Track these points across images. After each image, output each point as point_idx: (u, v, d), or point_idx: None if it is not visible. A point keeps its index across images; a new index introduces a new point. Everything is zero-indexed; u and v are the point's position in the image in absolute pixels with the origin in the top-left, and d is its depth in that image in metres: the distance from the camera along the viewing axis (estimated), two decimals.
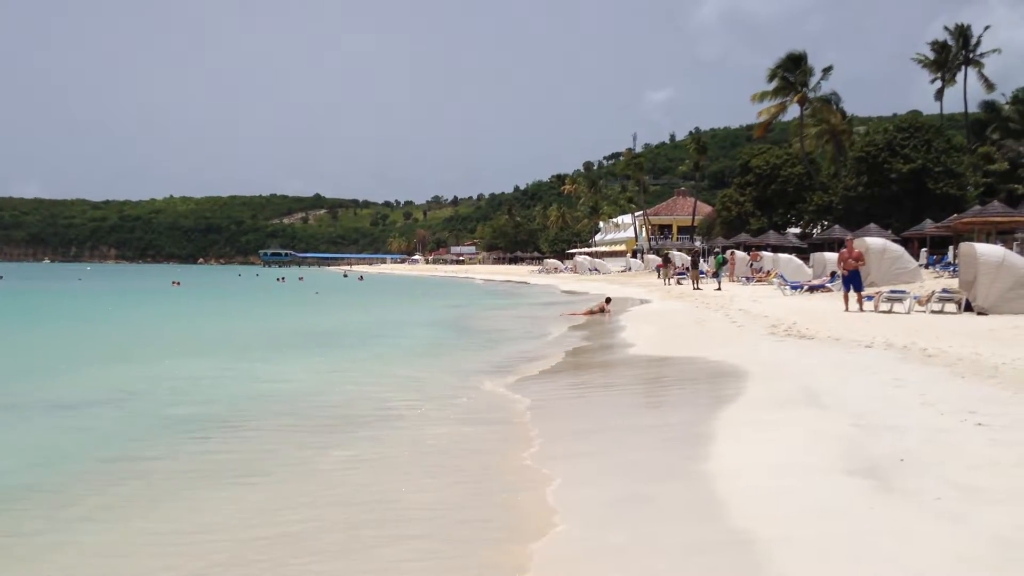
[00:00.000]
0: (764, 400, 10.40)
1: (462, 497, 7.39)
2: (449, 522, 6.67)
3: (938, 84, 67.00)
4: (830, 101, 67.66)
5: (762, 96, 69.11)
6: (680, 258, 58.93)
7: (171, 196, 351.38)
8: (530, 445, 9.25)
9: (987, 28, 67.91)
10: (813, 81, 67.34)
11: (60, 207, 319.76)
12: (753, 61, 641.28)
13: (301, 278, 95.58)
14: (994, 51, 65.52)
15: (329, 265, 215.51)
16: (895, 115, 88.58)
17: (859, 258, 23.24)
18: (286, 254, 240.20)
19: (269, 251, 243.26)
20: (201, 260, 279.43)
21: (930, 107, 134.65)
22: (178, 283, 71.64)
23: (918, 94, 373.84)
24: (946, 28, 66.57)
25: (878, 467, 6.56)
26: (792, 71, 67.37)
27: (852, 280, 22.80)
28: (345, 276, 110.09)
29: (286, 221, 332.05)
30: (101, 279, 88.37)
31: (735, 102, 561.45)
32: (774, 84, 68.23)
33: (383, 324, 29.56)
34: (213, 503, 7.45)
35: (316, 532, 6.57)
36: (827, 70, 67.72)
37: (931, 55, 66.76)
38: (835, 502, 5.82)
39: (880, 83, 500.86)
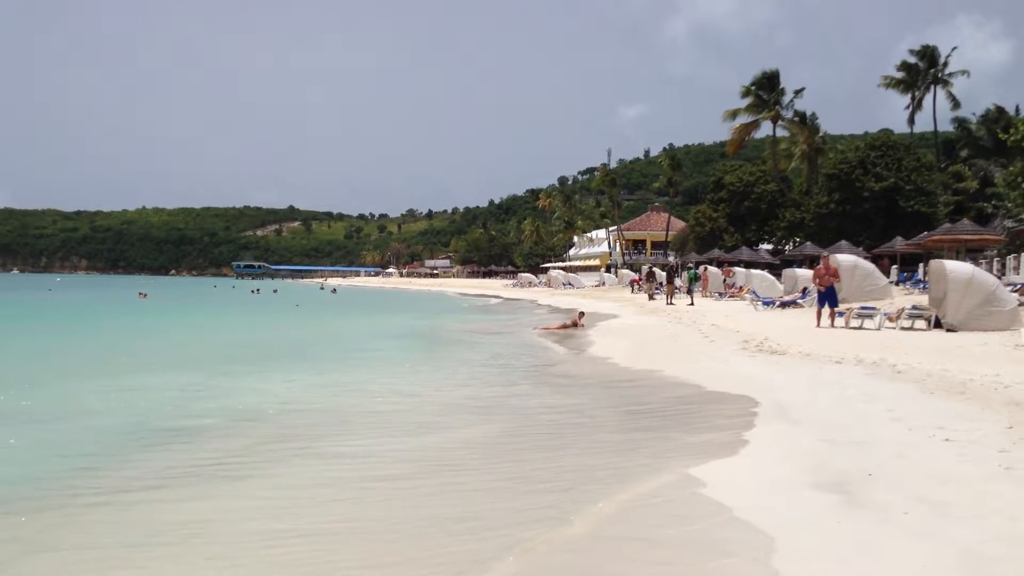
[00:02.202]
0: (733, 415, 10.44)
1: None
2: None
3: (908, 104, 67.99)
4: (805, 120, 68.37)
5: (735, 113, 69.84)
6: (657, 274, 59.21)
7: (143, 207, 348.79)
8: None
9: (954, 49, 69.13)
10: (786, 99, 68.18)
11: (30, 217, 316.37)
12: (722, 77, 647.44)
13: (275, 291, 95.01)
14: (962, 72, 66.63)
15: (303, 277, 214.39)
16: (867, 133, 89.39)
17: (835, 274, 23.43)
18: (259, 266, 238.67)
19: (242, 263, 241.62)
20: (173, 271, 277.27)
21: (898, 124, 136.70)
22: (144, 295, 70.42)
23: (886, 112, 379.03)
24: (911, 51, 67.78)
25: (847, 482, 6.60)
26: (765, 89, 68.12)
27: (827, 296, 22.95)
28: (322, 288, 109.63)
29: (259, 233, 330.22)
30: (71, 290, 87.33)
31: (708, 118, 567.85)
32: (747, 101, 68.93)
33: (363, 336, 29.47)
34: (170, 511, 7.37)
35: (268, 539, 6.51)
36: (799, 91, 68.62)
37: (899, 75, 67.73)
38: (803, 516, 5.85)
39: (847, 100, 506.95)
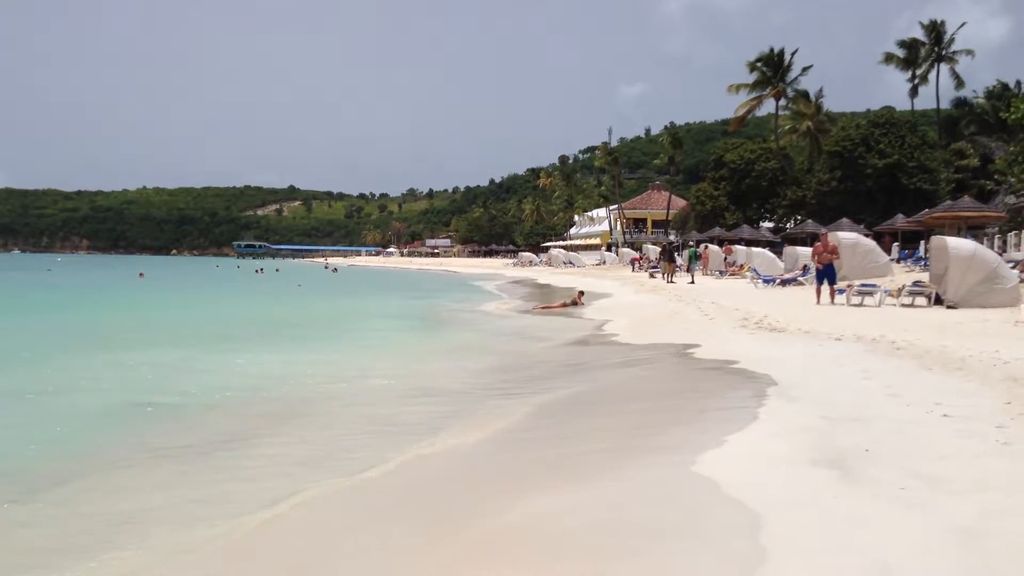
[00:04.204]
0: (729, 392, 10.40)
1: None
2: None
3: (910, 79, 67.58)
4: (808, 96, 67.95)
5: (739, 88, 69.28)
6: (655, 252, 59.15)
7: (144, 187, 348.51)
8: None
9: (963, 25, 68.69)
10: (791, 76, 67.68)
11: (31, 197, 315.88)
12: (720, 55, 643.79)
13: (278, 269, 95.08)
14: (967, 52, 66.14)
15: (303, 257, 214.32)
16: (868, 111, 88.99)
17: (834, 251, 23.38)
18: (260, 246, 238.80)
19: (243, 243, 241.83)
20: (174, 251, 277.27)
21: (896, 102, 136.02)
22: (142, 275, 70.44)
23: (884, 89, 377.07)
24: (921, 24, 67.18)
25: (844, 458, 6.55)
26: (770, 66, 67.60)
27: (826, 273, 22.92)
28: (326, 268, 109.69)
29: (260, 212, 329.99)
30: (71, 270, 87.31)
31: (707, 96, 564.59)
32: (752, 77, 68.42)
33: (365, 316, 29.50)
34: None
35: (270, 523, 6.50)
36: (806, 69, 68.17)
37: (900, 52, 67.29)
38: (800, 492, 5.79)
39: (844, 78, 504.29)
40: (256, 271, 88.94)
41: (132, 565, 5.81)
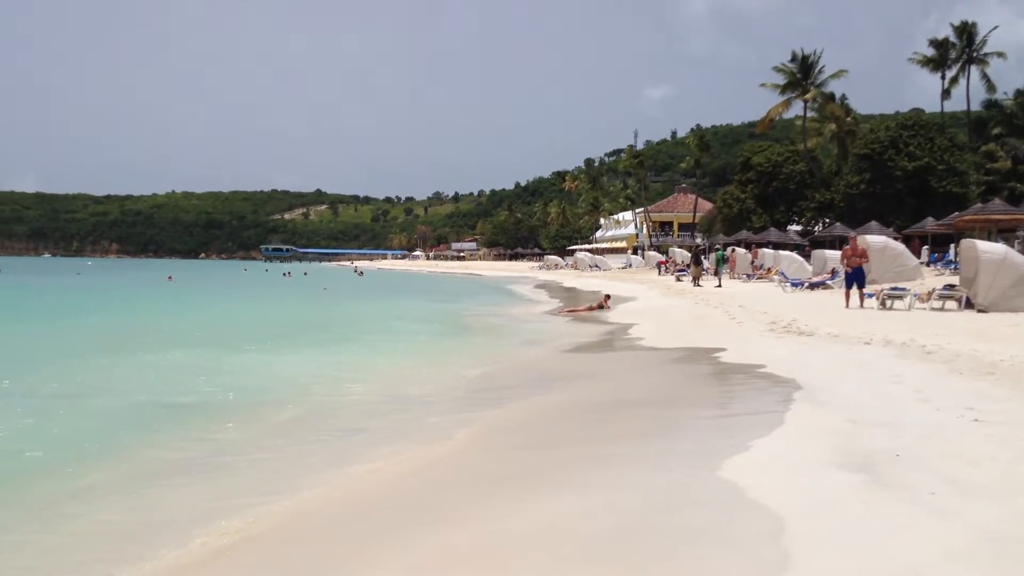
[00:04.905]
0: (756, 396, 10.34)
1: None
2: None
3: (937, 81, 66.96)
4: (834, 98, 67.28)
5: (772, 87, 68.53)
6: (681, 255, 58.96)
7: (172, 191, 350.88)
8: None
9: (995, 28, 67.86)
10: (821, 78, 66.95)
11: (61, 201, 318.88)
12: (744, 57, 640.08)
13: (306, 273, 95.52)
14: (998, 54, 65.38)
15: (330, 260, 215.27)
16: (898, 112, 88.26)
17: (863, 255, 23.17)
18: (287, 249, 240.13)
19: (270, 246, 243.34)
20: (203, 255, 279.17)
21: (923, 104, 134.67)
22: (171, 278, 71.22)
23: (911, 91, 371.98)
24: (951, 25, 66.45)
25: (873, 462, 6.50)
26: (800, 68, 66.91)
27: (855, 277, 22.74)
28: (355, 272, 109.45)
29: (287, 216, 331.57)
30: (101, 274, 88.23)
31: (733, 98, 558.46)
32: (780, 79, 67.77)
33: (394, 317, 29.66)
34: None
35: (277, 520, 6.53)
36: (837, 73, 67.31)
37: (931, 52, 66.61)
38: (826, 497, 5.75)
39: (871, 79, 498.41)
40: (284, 274, 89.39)
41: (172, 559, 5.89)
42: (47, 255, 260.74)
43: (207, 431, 10.34)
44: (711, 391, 11.35)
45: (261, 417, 11.23)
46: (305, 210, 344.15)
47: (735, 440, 7.72)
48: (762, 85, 68.39)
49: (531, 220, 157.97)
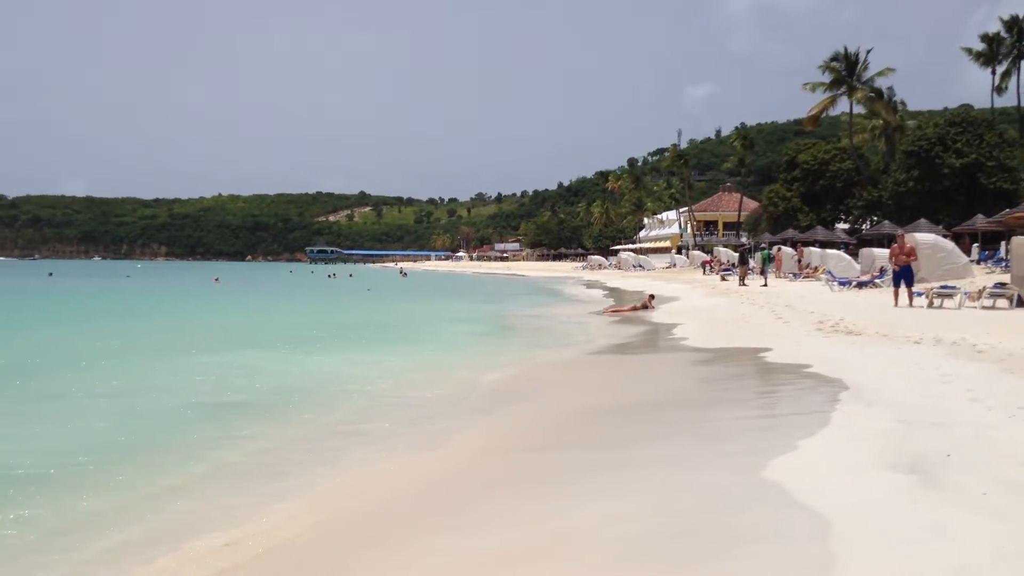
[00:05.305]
0: (802, 396, 10.25)
1: None
2: None
3: (988, 76, 65.67)
4: (883, 95, 66.25)
5: (814, 87, 67.79)
6: (726, 254, 58.52)
7: (219, 194, 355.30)
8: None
9: None
10: (867, 75, 65.96)
11: (111, 205, 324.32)
12: (788, 54, 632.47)
13: (351, 275, 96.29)
14: None
15: (374, 262, 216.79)
16: (946, 108, 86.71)
17: (911, 253, 22.85)
18: (332, 251, 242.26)
19: (315, 248, 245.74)
20: (249, 257, 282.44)
21: (975, 99, 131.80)
22: (218, 280, 72.41)
23: (958, 87, 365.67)
24: (1001, 19, 65.15)
25: (924, 463, 6.42)
26: (845, 65, 65.98)
27: (903, 275, 22.44)
28: (400, 273, 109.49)
29: (332, 218, 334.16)
30: (150, 276, 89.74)
31: (777, 96, 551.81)
32: (827, 76, 66.87)
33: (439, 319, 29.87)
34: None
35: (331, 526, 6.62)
36: (884, 71, 66.21)
37: (981, 46, 65.35)
38: (875, 497, 5.70)
39: (916, 75, 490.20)
40: (329, 276, 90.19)
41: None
42: (97, 258, 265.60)
43: (249, 430, 10.53)
44: (755, 391, 11.29)
45: (301, 419, 11.43)
46: (349, 212, 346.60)
47: (781, 441, 7.66)
48: (805, 85, 67.61)
49: (574, 220, 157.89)
